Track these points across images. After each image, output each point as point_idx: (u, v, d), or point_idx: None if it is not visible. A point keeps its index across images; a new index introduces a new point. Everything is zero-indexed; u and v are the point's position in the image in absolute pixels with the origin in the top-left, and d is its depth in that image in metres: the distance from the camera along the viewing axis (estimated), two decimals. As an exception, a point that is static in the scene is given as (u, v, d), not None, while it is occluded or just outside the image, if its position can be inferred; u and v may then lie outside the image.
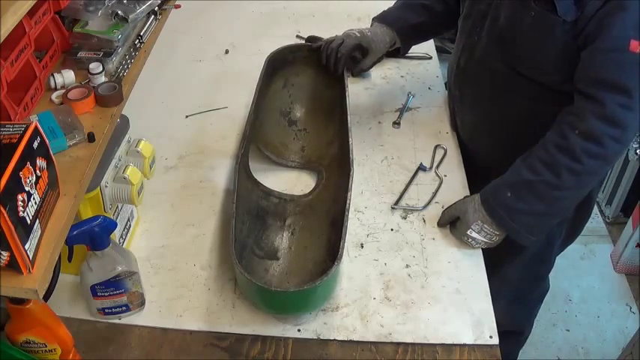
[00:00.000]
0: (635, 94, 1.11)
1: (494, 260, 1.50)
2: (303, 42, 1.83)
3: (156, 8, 1.28)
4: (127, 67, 1.16)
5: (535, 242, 1.29)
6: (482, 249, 1.29)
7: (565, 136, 1.16)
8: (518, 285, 1.62)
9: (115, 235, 1.17)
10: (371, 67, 1.54)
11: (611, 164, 1.24)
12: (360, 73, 1.51)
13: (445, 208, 1.33)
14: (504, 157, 1.27)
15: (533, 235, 1.25)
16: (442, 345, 1.12)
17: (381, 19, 1.54)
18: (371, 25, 1.55)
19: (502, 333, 1.14)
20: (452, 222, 1.31)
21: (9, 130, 0.82)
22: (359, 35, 1.48)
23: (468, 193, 1.38)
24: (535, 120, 1.26)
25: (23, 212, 0.79)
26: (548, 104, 1.24)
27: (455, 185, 1.42)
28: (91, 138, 1.01)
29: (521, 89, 1.29)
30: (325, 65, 1.48)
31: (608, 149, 1.15)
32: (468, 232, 1.26)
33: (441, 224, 1.33)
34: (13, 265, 0.80)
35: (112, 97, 1.08)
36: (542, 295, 1.76)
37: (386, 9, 1.57)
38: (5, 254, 0.78)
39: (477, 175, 1.42)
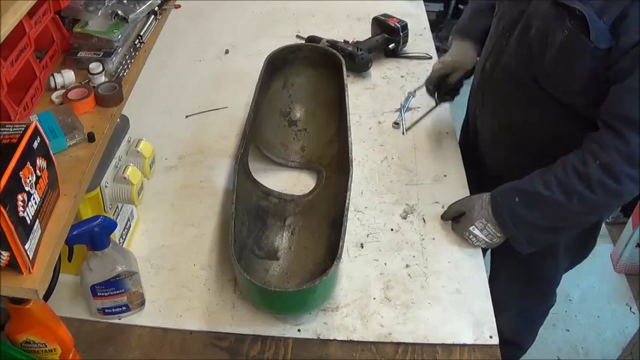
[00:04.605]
0: None
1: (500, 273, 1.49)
2: (303, 42, 1.84)
3: (156, 8, 1.28)
4: (127, 67, 1.16)
5: (542, 266, 1.26)
6: (486, 255, 1.28)
7: (585, 162, 1.14)
8: (523, 301, 1.62)
9: (115, 235, 1.17)
10: (459, 82, 1.52)
11: (623, 202, 1.21)
12: (449, 92, 1.54)
13: (452, 203, 1.33)
14: (516, 168, 1.25)
15: (531, 245, 1.24)
16: (442, 345, 1.12)
17: (463, 32, 1.52)
18: (449, 43, 1.53)
19: (501, 341, 1.13)
20: (454, 218, 1.31)
21: (9, 130, 0.82)
22: (441, 66, 1.50)
23: (468, 194, 1.38)
24: (554, 138, 1.24)
25: (23, 212, 0.79)
26: (569, 125, 1.22)
27: (455, 185, 1.42)
28: (91, 138, 1.01)
29: (542, 105, 1.26)
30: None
31: (624, 187, 1.13)
32: (471, 229, 1.26)
33: (445, 218, 1.32)
34: (13, 265, 0.80)
35: (112, 97, 1.08)
36: (547, 310, 1.75)
37: (461, 20, 1.55)
38: (5, 254, 0.78)
39: (486, 179, 1.40)
